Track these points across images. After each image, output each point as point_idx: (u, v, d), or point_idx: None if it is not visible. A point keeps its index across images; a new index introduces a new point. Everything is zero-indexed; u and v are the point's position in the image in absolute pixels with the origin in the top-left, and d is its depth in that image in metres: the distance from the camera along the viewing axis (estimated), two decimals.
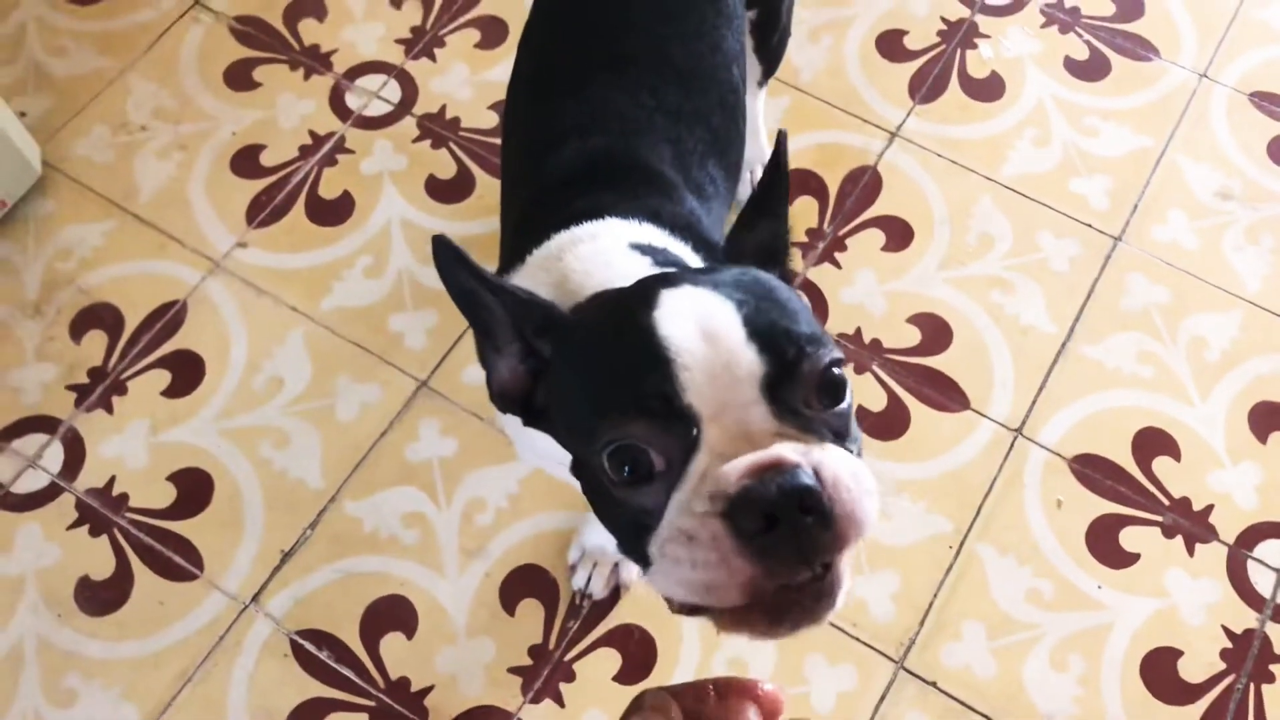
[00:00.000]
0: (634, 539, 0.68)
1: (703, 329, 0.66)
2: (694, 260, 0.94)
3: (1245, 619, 1.33)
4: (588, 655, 1.31)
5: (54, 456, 1.40)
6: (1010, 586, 1.35)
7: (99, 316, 1.49)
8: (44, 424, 1.42)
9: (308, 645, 1.30)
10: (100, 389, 1.44)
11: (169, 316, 1.49)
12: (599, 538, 1.31)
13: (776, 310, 0.69)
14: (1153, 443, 1.44)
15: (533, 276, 0.93)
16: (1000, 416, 1.44)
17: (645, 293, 0.70)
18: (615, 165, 1.01)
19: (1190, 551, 1.37)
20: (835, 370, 0.68)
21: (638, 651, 1.31)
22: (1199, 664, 1.31)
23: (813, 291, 1.51)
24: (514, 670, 1.29)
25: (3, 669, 1.28)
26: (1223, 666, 1.31)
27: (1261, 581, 1.36)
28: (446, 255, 0.73)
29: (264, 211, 1.57)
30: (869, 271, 1.54)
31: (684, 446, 0.65)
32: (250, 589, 1.33)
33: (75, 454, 1.40)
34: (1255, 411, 1.46)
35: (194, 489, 1.38)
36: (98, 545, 1.35)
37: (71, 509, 1.37)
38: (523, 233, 0.99)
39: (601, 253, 0.91)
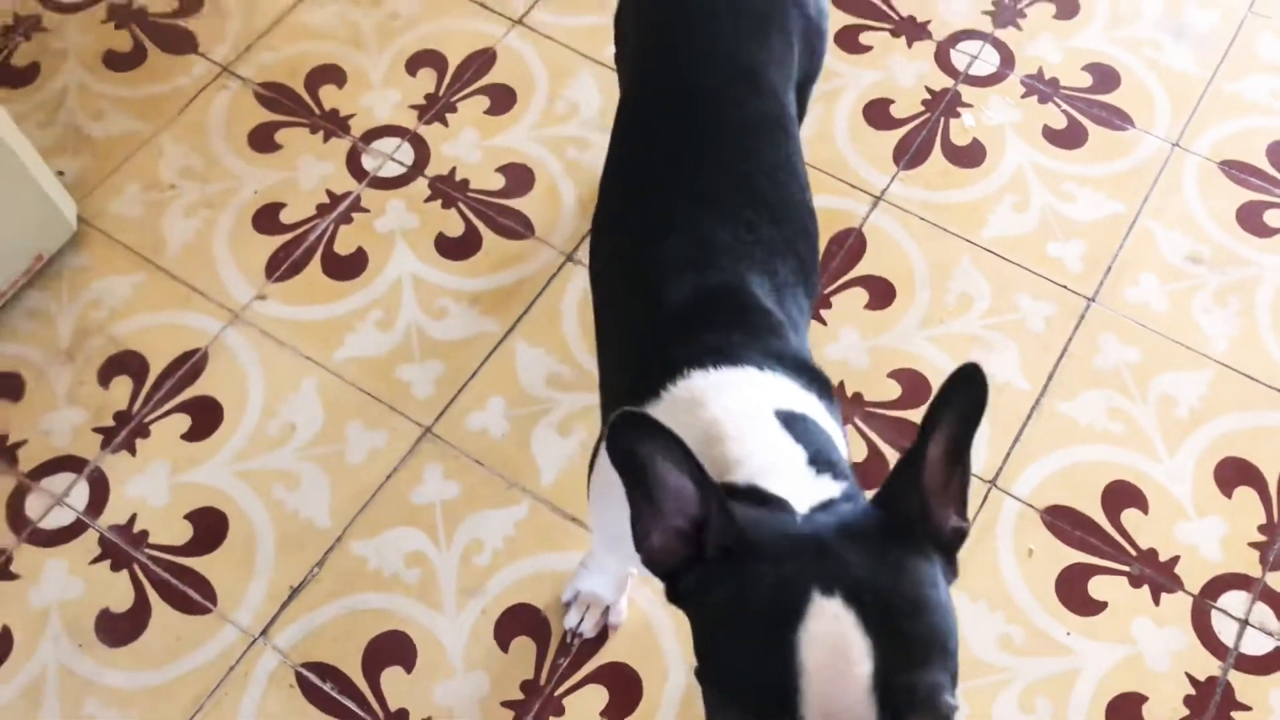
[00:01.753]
0: None
1: (838, 671, 0.72)
2: (827, 419, 0.99)
3: (1209, 667, 1.39)
4: (577, 691, 1.37)
5: (80, 495, 1.49)
6: (983, 632, 1.41)
7: (126, 364, 1.59)
8: (72, 464, 1.51)
9: (312, 677, 1.38)
10: (125, 432, 1.54)
11: (191, 364, 1.59)
12: (593, 582, 1.38)
13: (913, 648, 0.74)
14: (1122, 496, 1.50)
15: (670, 415, 0.97)
16: (976, 468, 1.51)
17: (801, 584, 0.75)
18: (733, 303, 1.06)
19: (1156, 601, 1.43)
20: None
21: (624, 688, 1.38)
22: (1164, 709, 1.36)
23: None
24: (507, 704, 1.36)
25: (27, 695, 1.36)
26: (1186, 713, 1.36)
27: (1225, 631, 1.41)
28: (637, 426, 0.76)
29: (283, 266, 1.67)
30: (853, 329, 1.62)
31: None
32: (260, 623, 1.41)
33: (100, 493, 1.49)
34: (1221, 467, 1.52)
35: (210, 527, 1.47)
36: (118, 579, 1.44)
37: (95, 544, 1.46)
38: (650, 361, 1.02)
39: (749, 416, 0.95)
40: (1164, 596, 1.43)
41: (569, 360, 1.60)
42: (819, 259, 1.18)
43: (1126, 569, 1.45)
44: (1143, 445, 1.53)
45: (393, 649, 1.39)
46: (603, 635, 1.40)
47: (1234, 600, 1.43)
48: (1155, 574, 1.45)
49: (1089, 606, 1.42)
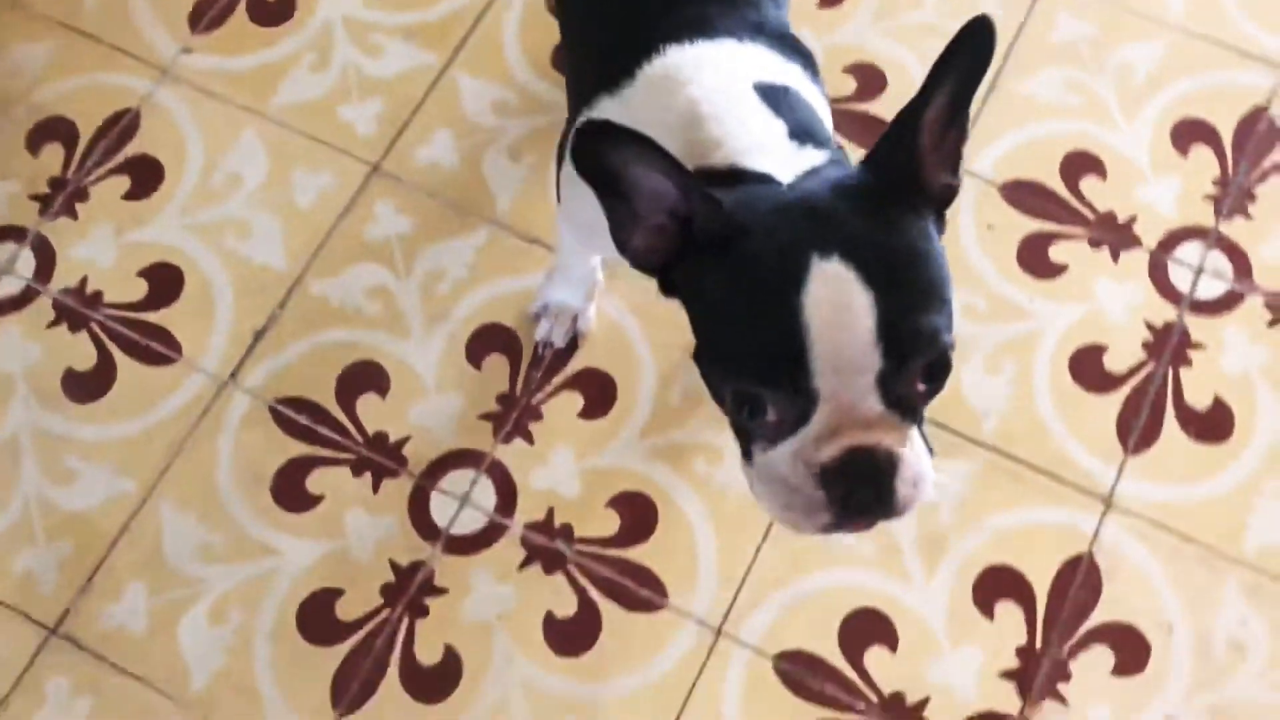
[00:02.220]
0: (736, 433, 0.85)
1: (841, 323, 0.75)
2: (810, 90, 0.97)
3: (1166, 314, 1.42)
4: (553, 398, 1.39)
5: (26, 263, 1.46)
6: None
7: (54, 130, 1.53)
8: (12, 234, 1.48)
9: (288, 411, 1.39)
10: (63, 197, 1.49)
11: (123, 125, 1.53)
12: (560, 293, 1.37)
13: (912, 296, 0.77)
14: (1080, 164, 1.50)
15: (647, 98, 0.95)
16: None
17: (798, 251, 0.77)
18: None
19: (1115, 259, 1.45)
20: (943, 359, 0.79)
21: (599, 390, 1.40)
22: (1123, 356, 1.40)
23: None
24: (484, 416, 1.38)
25: (4, 457, 1.37)
26: (1144, 356, 1.39)
27: (1180, 279, 1.44)
28: (600, 138, 0.76)
29: (206, 16, 1.60)
30: None
31: (799, 414, 0.79)
32: (228, 367, 1.40)
33: (46, 258, 1.46)
34: (1179, 129, 1.52)
35: (165, 282, 1.45)
36: (78, 340, 1.42)
37: (49, 309, 1.43)
38: (623, 40, 0.99)
39: (729, 94, 0.92)
40: (1122, 254, 1.45)
41: (513, 86, 1.55)
42: None
43: (1086, 232, 1.46)
44: (1101, 115, 1.52)
45: (365, 378, 1.40)
46: (573, 344, 1.41)
47: (1189, 250, 1.45)
48: (1114, 235, 1.46)
49: (1049, 270, 1.44)
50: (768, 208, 0.81)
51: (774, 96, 0.93)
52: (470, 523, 1.33)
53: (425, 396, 1.39)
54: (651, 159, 0.77)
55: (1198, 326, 1.41)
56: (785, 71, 0.97)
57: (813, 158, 0.88)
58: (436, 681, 1.26)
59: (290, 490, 1.34)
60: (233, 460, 1.35)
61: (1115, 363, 1.40)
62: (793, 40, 1.02)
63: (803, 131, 0.91)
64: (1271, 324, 1.41)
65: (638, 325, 1.42)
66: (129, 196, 1.49)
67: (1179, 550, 1.31)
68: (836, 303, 0.75)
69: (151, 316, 1.43)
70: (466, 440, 1.37)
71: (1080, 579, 1.32)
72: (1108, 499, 1.34)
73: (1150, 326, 1.41)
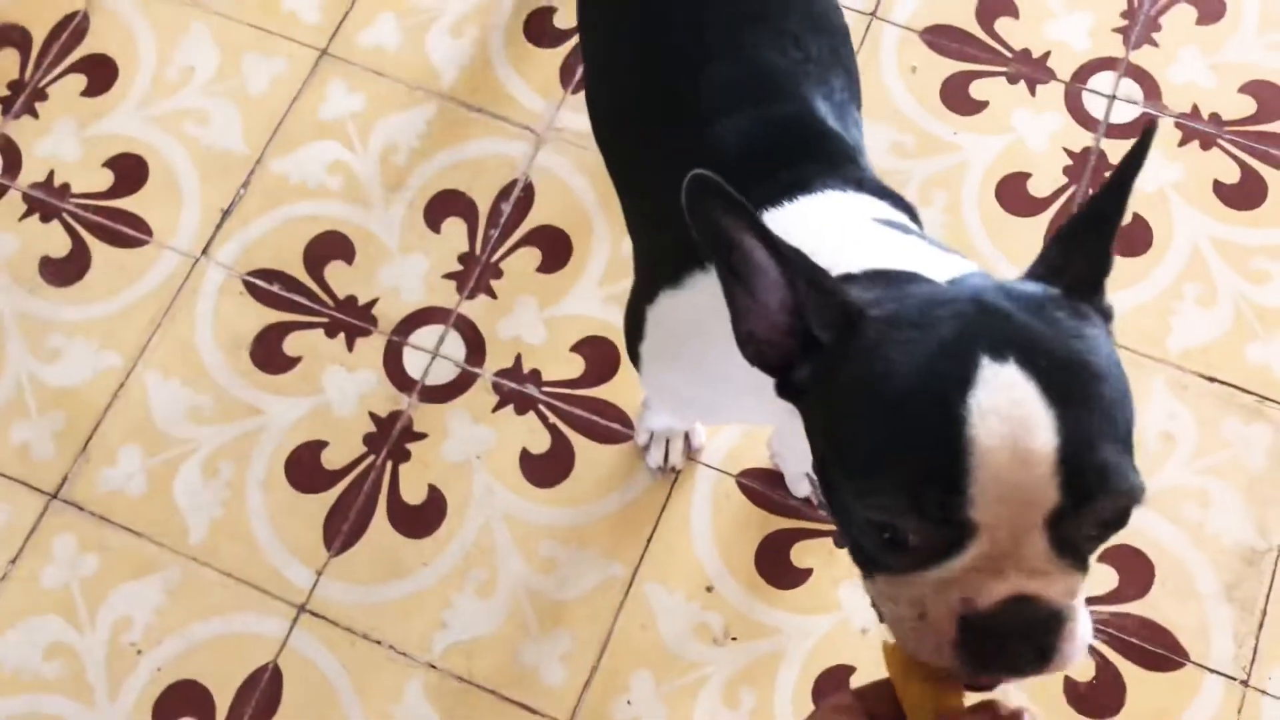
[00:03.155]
0: (859, 556, 0.70)
1: (1016, 446, 0.61)
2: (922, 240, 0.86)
3: (1084, 139, 1.51)
4: (511, 254, 1.46)
5: None
6: (875, 143, 1.50)
7: (6, 36, 1.57)
8: None
9: (259, 282, 1.45)
10: (22, 98, 1.54)
11: (74, 26, 1.58)
12: (661, 420, 1.32)
13: (1096, 419, 0.63)
14: (995, 6, 1.58)
15: None
16: (856, 4, 1.57)
17: (965, 348, 0.64)
18: (802, 132, 0.94)
19: (1032, 92, 1.53)
20: (1127, 506, 0.65)
21: (555, 246, 1.47)
22: (1045, 181, 1.49)
23: None
24: (448, 275, 1.45)
25: None
26: (1065, 180, 1.48)
27: (1095, 107, 1.53)
28: (704, 193, 0.66)
29: None
30: None
31: (948, 545, 0.64)
32: (199, 245, 1.46)
33: (12, 157, 1.51)
34: None
35: (130, 170, 1.50)
36: (51, 229, 1.47)
37: (19, 203, 1.48)
38: None
39: (847, 227, 0.83)
40: (1039, 88, 1.53)
41: None
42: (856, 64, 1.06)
43: (1003, 69, 1.55)
44: None
45: (331, 247, 1.46)
46: (528, 202, 1.48)
47: (1102, 80, 1.54)
48: (1030, 70, 1.55)
49: (971, 106, 1.52)
50: (921, 299, 0.68)
51: (897, 229, 0.84)
52: (443, 373, 1.40)
53: (390, 260, 1.46)
54: (748, 223, 0.67)
55: (1114, 149, 1.51)
56: (898, 216, 0.88)
57: (962, 265, 0.77)
58: (423, 517, 1.34)
59: (269, 353, 1.41)
60: (211, 329, 1.42)
61: (1039, 188, 1.49)
62: (895, 194, 0.93)
63: (941, 246, 0.81)
64: (1181, 143, 1.51)
65: (587, 183, 1.49)
66: (87, 93, 1.54)
67: None
68: (1011, 417, 0.61)
69: (120, 203, 1.48)
70: (433, 298, 1.44)
71: None
72: None
73: (1069, 152, 1.50)
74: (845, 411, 0.68)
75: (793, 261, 0.68)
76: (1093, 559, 0.67)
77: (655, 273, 0.98)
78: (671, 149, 0.97)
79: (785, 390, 0.73)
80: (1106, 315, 0.71)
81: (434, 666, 1.28)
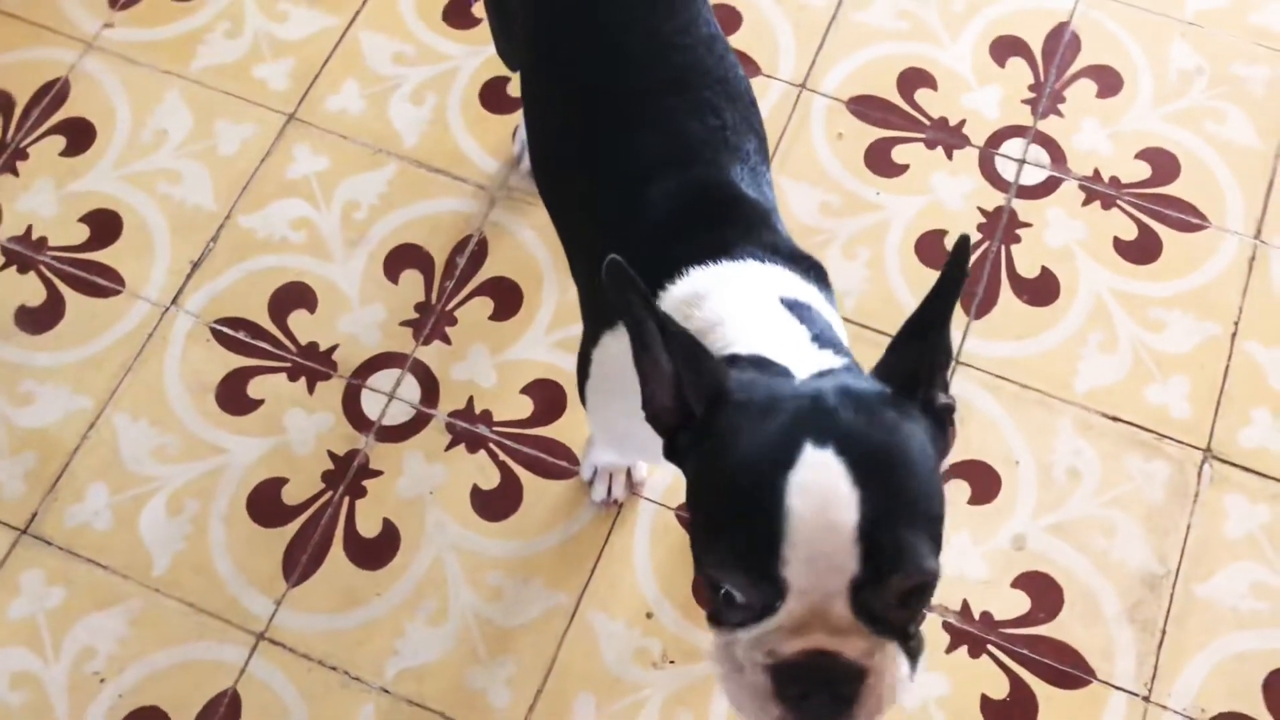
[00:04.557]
0: (709, 613, 0.81)
1: (824, 518, 0.72)
2: (827, 308, 0.99)
3: (995, 199, 1.63)
4: (466, 304, 1.55)
5: None
6: (807, 204, 1.61)
7: None
8: None
9: (226, 330, 1.53)
10: (4, 157, 1.63)
11: (54, 92, 1.68)
12: (606, 456, 1.40)
13: (902, 506, 0.74)
14: (914, 79, 1.71)
15: (673, 312, 0.92)
16: (787, 76, 1.70)
17: (792, 435, 0.75)
18: (720, 196, 1.04)
19: (949, 157, 1.66)
20: (924, 586, 0.76)
21: (506, 296, 1.56)
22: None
23: None
24: (405, 323, 1.54)
25: None
26: (980, 236, 1.61)
27: (1006, 170, 1.65)
28: (617, 280, 0.77)
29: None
30: None
31: (766, 603, 0.75)
32: (168, 295, 1.55)
33: None
34: (996, 45, 1.74)
35: (104, 225, 1.59)
36: (26, 280, 1.55)
37: None
38: (648, 266, 0.94)
39: (753, 304, 0.93)
40: (955, 152, 1.66)
41: (411, 39, 1.73)
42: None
43: (922, 136, 1.68)
44: (930, 36, 1.74)
45: (294, 296, 1.55)
46: (482, 255, 1.58)
47: (1013, 146, 1.67)
48: (947, 136, 1.68)
49: (893, 169, 1.64)
50: (774, 390, 0.80)
51: (797, 309, 0.94)
52: (399, 414, 1.49)
53: (350, 309, 1.55)
54: (652, 317, 0.77)
55: (1024, 209, 1.63)
56: (805, 290, 0.99)
57: (830, 360, 0.89)
58: (377, 550, 1.41)
59: (233, 396, 1.49)
60: (179, 374, 1.50)
61: (954, 228, 1.61)
62: (806, 257, 1.03)
63: (825, 339, 0.92)
64: (1085, 203, 1.63)
65: (537, 238, 1.59)
66: (66, 153, 1.63)
67: (1020, 396, 1.51)
68: (822, 493, 0.73)
69: (95, 255, 1.57)
70: (390, 344, 1.52)
71: None
72: (957, 358, 1.54)
73: (983, 211, 1.63)
74: (700, 482, 0.82)
75: (675, 341, 0.79)
76: (912, 628, 0.78)
77: (596, 319, 1.09)
78: (606, 209, 1.07)
79: (670, 453, 0.85)
80: (941, 411, 0.83)
81: (386, 691, 1.34)
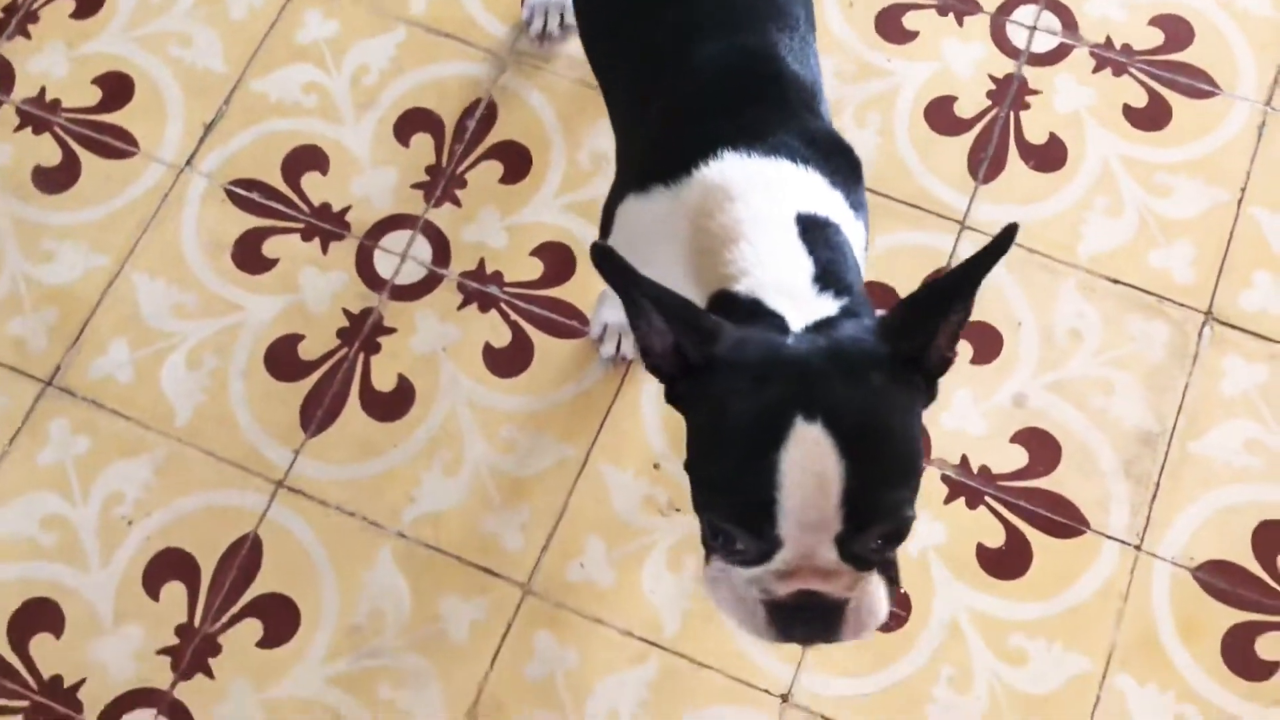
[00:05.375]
0: (705, 540, 0.91)
1: (811, 486, 0.81)
2: (850, 223, 0.99)
3: (1006, 66, 1.63)
4: (475, 167, 1.57)
5: None
6: None
7: None
8: None
9: (240, 191, 1.55)
10: (15, 20, 1.63)
11: None
12: (615, 314, 1.42)
13: (882, 470, 0.83)
14: None
15: (699, 202, 0.96)
16: None
17: (784, 410, 0.82)
18: (767, 70, 1.03)
19: (960, 24, 1.65)
20: (900, 529, 0.86)
21: (516, 161, 1.57)
22: (970, 104, 1.61)
23: None
24: (416, 186, 1.56)
25: None
26: (989, 103, 1.61)
27: (1017, 37, 1.64)
28: (609, 266, 0.83)
29: None
30: None
31: (762, 551, 0.85)
32: (183, 156, 1.57)
33: (5, 74, 1.60)
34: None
35: (117, 87, 1.60)
36: (42, 141, 1.57)
37: (13, 116, 1.58)
38: (681, 132, 1.01)
39: (771, 222, 0.95)
40: (966, 19, 1.65)
41: None
42: None
43: (934, 3, 1.66)
44: None
45: (307, 159, 1.56)
46: (491, 119, 1.58)
47: (1025, 12, 1.66)
48: (959, 3, 1.67)
49: (904, 36, 1.63)
50: (764, 354, 0.86)
51: (813, 231, 0.96)
52: (411, 274, 1.51)
53: (362, 172, 1.56)
54: (641, 291, 0.83)
55: (1034, 76, 1.63)
56: (830, 200, 0.99)
57: (829, 307, 0.92)
58: (393, 404, 1.45)
59: (249, 256, 1.51)
60: (195, 234, 1.52)
61: (964, 109, 1.61)
62: (840, 151, 1.03)
63: (828, 275, 0.94)
64: (1096, 70, 1.63)
65: (546, 102, 1.60)
66: (76, 15, 1.63)
67: (1025, 260, 1.53)
68: (811, 467, 0.81)
69: (108, 117, 1.58)
70: (402, 206, 1.54)
71: None
72: (963, 221, 1.56)
73: (993, 78, 1.62)
74: (699, 440, 0.90)
75: (668, 309, 0.85)
76: (891, 554, 0.89)
77: (627, 176, 1.08)
78: (651, 65, 1.07)
79: (671, 397, 0.92)
80: (941, 363, 0.88)
81: (403, 535, 1.39)
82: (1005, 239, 0.82)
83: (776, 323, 0.90)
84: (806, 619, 0.87)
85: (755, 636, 0.91)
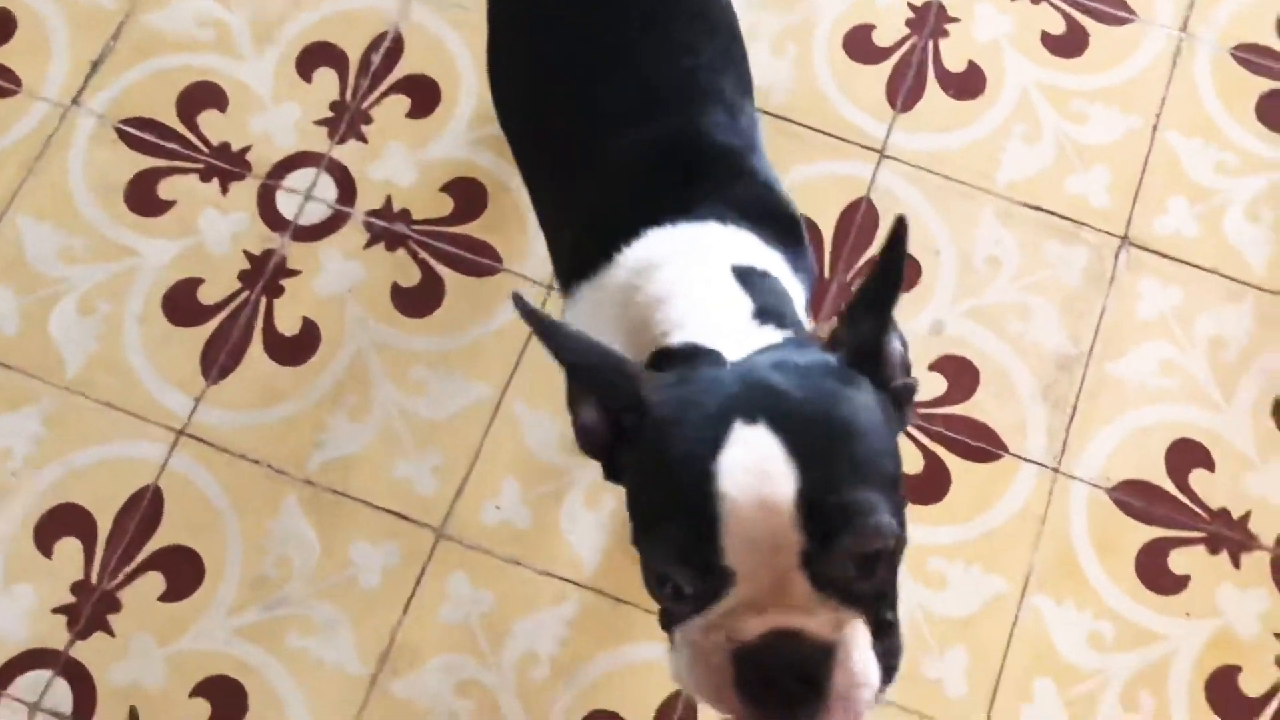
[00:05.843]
0: (661, 616, 0.78)
1: (758, 495, 0.67)
2: (788, 276, 0.94)
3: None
4: (381, 101, 1.51)
5: None
6: None
7: None
8: None
9: (132, 130, 1.48)
10: None
11: None
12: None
13: (843, 468, 0.70)
14: None
15: (625, 282, 0.91)
16: None
17: (721, 419, 0.71)
18: (688, 151, 0.98)
19: None
20: (884, 550, 0.71)
21: (424, 94, 1.52)
22: (889, 32, 1.57)
23: None
24: (320, 122, 1.50)
25: None
26: (908, 32, 1.58)
27: None
28: (519, 310, 0.75)
29: None
30: None
31: (710, 588, 0.70)
32: (69, 94, 1.49)
33: None
34: None
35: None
36: None
37: None
38: (606, 226, 0.94)
39: (703, 275, 0.89)
40: None
41: None
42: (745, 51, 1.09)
43: None
44: None
45: (203, 96, 1.50)
46: (398, 53, 1.52)
47: None
48: None
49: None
50: (699, 381, 0.76)
51: (749, 278, 0.90)
52: (315, 214, 1.46)
53: (262, 109, 1.50)
54: (562, 347, 0.75)
55: (953, 4, 1.60)
56: (765, 255, 0.94)
57: (770, 336, 0.86)
58: (297, 347, 1.39)
59: (143, 198, 1.45)
60: (84, 175, 1.45)
61: (883, 38, 1.58)
62: (777, 214, 0.98)
63: (768, 310, 0.88)
64: None
65: (456, 36, 1.55)
66: None
67: (943, 188, 1.51)
68: (754, 469, 0.68)
69: None
70: (305, 144, 1.49)
71: (860, 220, 1.52)
72: (882, 150, 1.53)
73: (912, 6, 1.59)
74: (634, 485, 0.77)
75: (581, 370, 0.77)
76: (888, 611, 0.73)
77: (559, 256, 1.05)
78: (570, 159, 1.02)
79: (610, 473, 0.82)
80: (900, 391, 0.78)
81: (310, 483, 1.34)
82: (896, 235, 0.74)
83: (714, 358, 0.83)
84: (780, 672, 0.70)
85: (726, 712, 0.74)
